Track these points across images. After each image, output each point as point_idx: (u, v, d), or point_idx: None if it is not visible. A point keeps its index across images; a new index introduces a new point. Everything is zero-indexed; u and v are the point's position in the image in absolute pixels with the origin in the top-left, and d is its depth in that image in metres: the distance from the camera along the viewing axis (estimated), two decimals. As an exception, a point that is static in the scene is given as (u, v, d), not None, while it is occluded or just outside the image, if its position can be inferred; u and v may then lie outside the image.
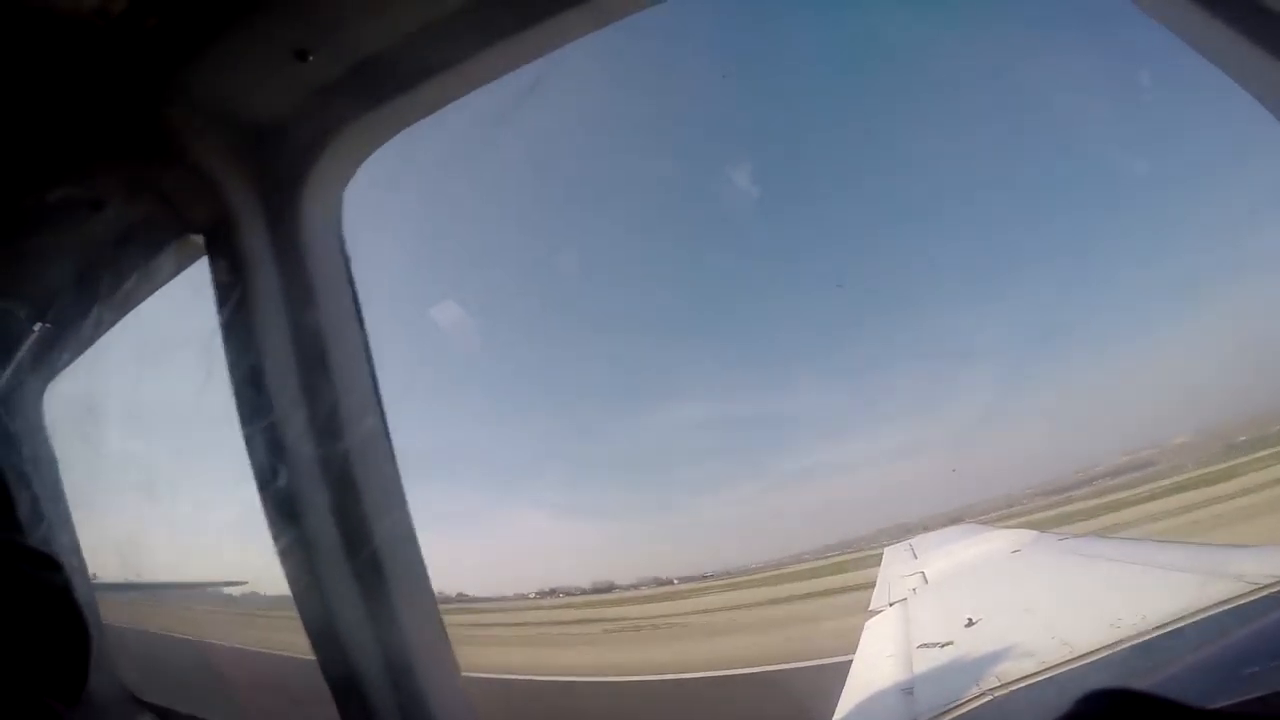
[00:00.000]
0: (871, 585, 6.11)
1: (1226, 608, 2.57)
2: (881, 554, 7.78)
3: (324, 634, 2.06)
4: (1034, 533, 6.18)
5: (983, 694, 2.69)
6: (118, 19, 1.79)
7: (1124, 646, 2.65)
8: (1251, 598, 2.56)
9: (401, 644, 2.06)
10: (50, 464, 2.83)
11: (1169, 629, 2.62)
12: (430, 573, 2.19)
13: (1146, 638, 2.63)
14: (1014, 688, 2.67)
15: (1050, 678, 2.65)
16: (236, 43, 1.92)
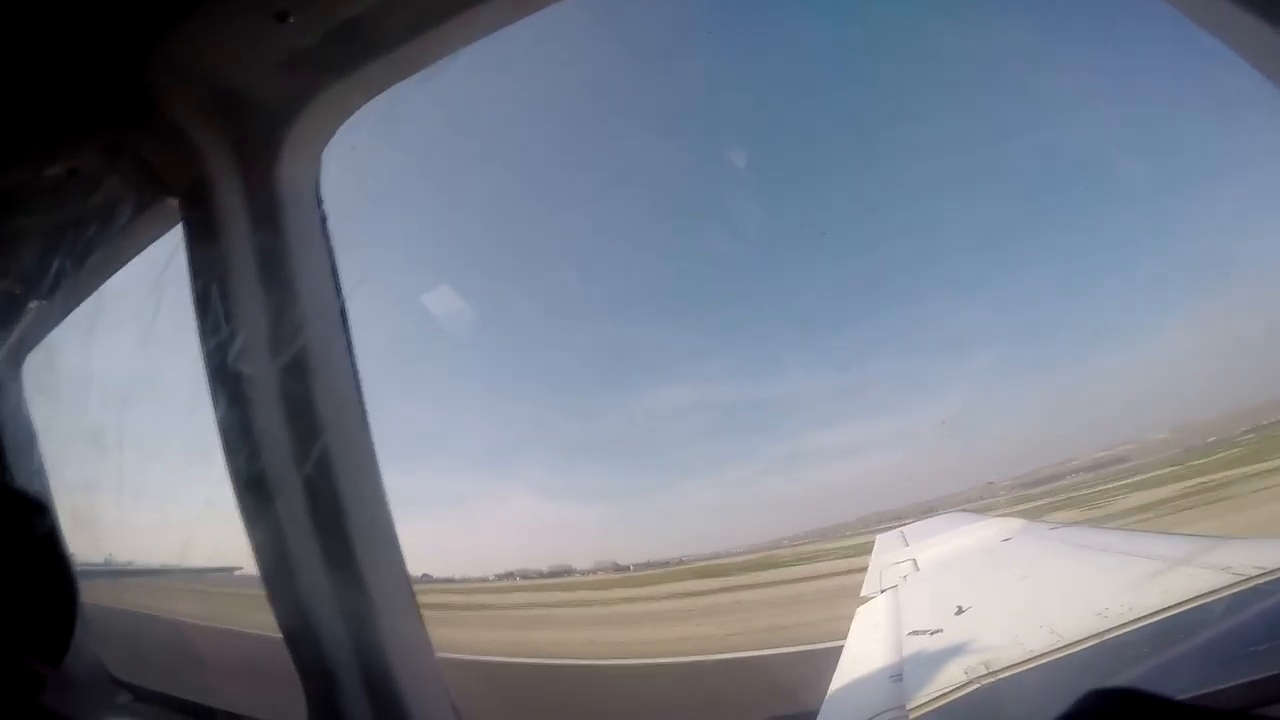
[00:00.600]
0: (858, 571, 6.14)
1: (1214, 598, 2.58)
2: (865, 541, 7.80)
3: (297, 613, 2.02)
4: (1024, 521, 6.21)
5: (971, 681, 2.71)
6: None
7: (1112, 636, 2.65)
8: (1239, 588, 2.57)
9: (375, 623, 2.03)
10: (25, 438, 2.77)
11: (1157, 618, 2.62)
12: (405, 552, 2.15)
13: (1135, 627, 2.64)
14: (1003, 675, 2.68)
15: (1039, 666, 2.65)
16: (215, 4, 1.85)
